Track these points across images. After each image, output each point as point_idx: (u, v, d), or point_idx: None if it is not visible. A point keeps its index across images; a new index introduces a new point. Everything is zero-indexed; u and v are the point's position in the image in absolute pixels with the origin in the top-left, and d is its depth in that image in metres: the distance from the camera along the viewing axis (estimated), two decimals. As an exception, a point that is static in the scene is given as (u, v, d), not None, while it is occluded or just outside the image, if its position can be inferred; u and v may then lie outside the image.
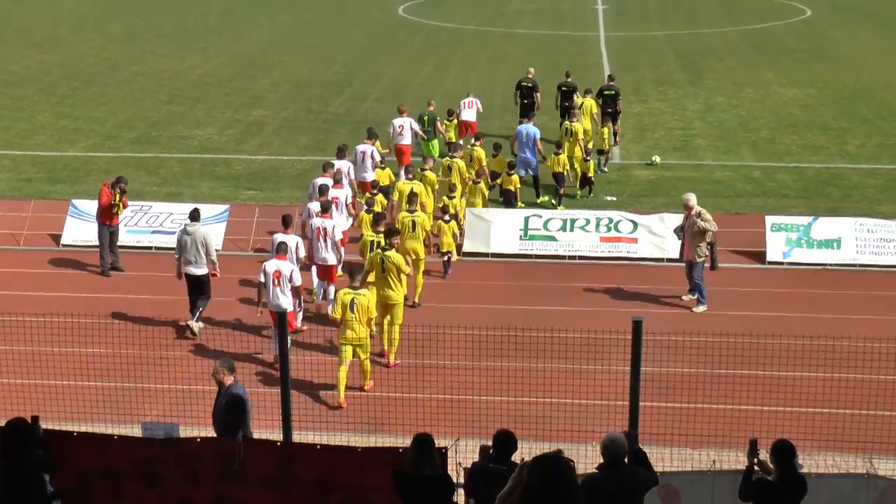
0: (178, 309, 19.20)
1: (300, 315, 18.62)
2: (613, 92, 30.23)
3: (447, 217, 21.53)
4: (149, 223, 23.34)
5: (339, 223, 20.11)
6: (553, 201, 25.73)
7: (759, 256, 22.29)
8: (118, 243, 22.13)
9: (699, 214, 19.61)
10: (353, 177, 23.62)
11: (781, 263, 22.08)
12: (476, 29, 54.11)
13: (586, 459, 10.46)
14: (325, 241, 19.33)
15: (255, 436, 11.82)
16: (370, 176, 24.17)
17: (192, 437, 10.97)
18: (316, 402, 16.22)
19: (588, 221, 22.84)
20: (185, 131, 33.39)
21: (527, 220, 23.00)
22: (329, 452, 10.59)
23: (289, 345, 11.29)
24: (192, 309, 18.79)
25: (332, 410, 15.91)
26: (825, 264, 21.94)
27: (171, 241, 22.59)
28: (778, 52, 46.38)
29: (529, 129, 26.35)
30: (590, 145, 27.28)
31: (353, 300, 16.17)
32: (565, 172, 26.08)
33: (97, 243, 21.93)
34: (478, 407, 15.07)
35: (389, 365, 17.31)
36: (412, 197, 20.66)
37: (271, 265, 17.47)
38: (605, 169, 28.58)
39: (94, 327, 15.69)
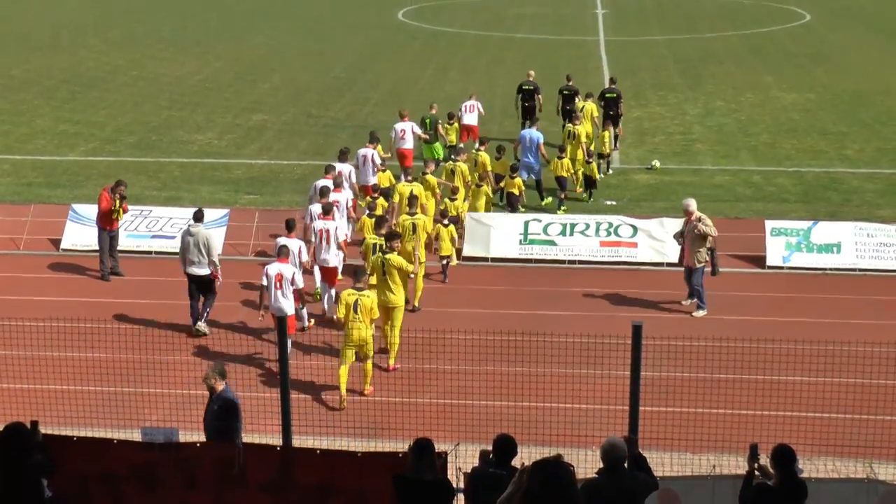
0: (178, 313, 19.22)
1: (304, 314, 18.71)
2: (615, 95, 30.23)
3: (446, 221, 21.54)
4: (149, 228, 23.34)
5: (340, 225, 20.20)
6: (560, 210, 25.55)
7: (759, 261, 22.29)
8: (118, 248, 22.14)
9: (700, 219, 19.60)
10: (354, 180, 23.65)
11: (781, 268, 22.08)
12: (476, 34, 54.13)
13: (586, 464, 10.46)
14: (328, 243, 19.40)
15: (255, 440, 11.80)
16: (372, 179, 24.19)
17: (192, 442, 10.96)
18: (316, 406, 16.21)
19: (588, 226, 22.84)
20: (185, 136, 33.40)
21: (526, 224, 23.00)
22: (329, 457, 10.58)
23: (289, 349, 11.28)
24: (193, 311, 18.84)
25: (332, 415, 15.90)
26: (825, 269, 21.94)
27: (170, 246, 22.71)
28: (777, 56, 46.40)
29: (533, 133, 26.38)
30: (591, 148, 27.30)
31: (356, 301, 16.23)
32: (568, 176, 26.09)
33: (97, 248, 21.93)
34: (478, 411, 15.06)
35: (389, 369, 17.31)
36: (412, 199, 20.75)
37: (273, 268, 17.55)
38: (610, 171, 28.59)
39: (93, 332, 15.69)
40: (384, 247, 18.03)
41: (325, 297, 19.73)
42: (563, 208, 25.40)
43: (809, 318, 19.35)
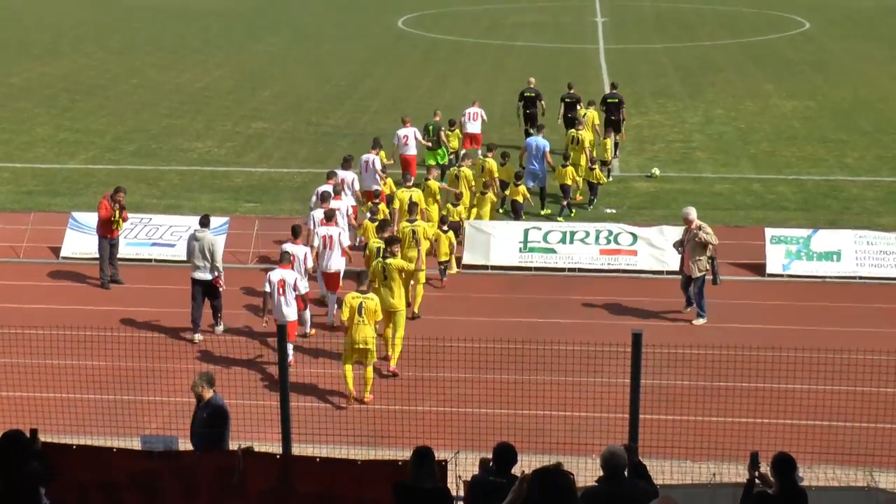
0: (178, 321, 19.22)
1: (308, 318, 18.78)
2: (617, 100, 30.26)
3: (445, 227, 21.57)
4: (148, 236, 23.33)
5: (343, 231, 20.29)
6: (559, 217, 25.55)
7: (759, 269, 22.28)
8: (118, 256, 22.14)
9: (700, 228, 19.58)
10: (357, 187, 23.67)
11: (781, 276, 22.07)
12: (476, 42, 54.19)
13: (586, 472, 10.44)
14: (331, 248, 19.46)
15: (255, 448, 11.78)
16: (374, 185, 24.20)
17: (192, 450, 10.95)
18: (316, 414, 16.18)
19: (588, 234, 22.85)
20: (184, 144, 33.42)
21: (526, 232, 23.01)
22: (329, 465, 10.57)
23: (290, 356, 11.28)
24: (193, 312, 18.94)
25: (332, 423, 15.84)
26: (825, 277, 21.94)
27: (170, 254, 22.80)
28: (777, 64, 46.45)
29: (539, 141, 26.39)
30: (594, 154, 27.31)
31: (360, 304, 16.34)
32: (572, 184, 26.09)
33: (97, 256, 21.93)
34: (478, 419, 15.05)
35: (390, 369, 17.35)
36: (412, 206, 20.85)
37: (276, 275, 17.66)
38: (610, 179, 28.60)
39: (93, 340, 15.66)
40: (385, 251, 18.10)
41: (329, 303, 19.76)
42: (566, 214, 25.41)
43: (809, 326, 19.34)
